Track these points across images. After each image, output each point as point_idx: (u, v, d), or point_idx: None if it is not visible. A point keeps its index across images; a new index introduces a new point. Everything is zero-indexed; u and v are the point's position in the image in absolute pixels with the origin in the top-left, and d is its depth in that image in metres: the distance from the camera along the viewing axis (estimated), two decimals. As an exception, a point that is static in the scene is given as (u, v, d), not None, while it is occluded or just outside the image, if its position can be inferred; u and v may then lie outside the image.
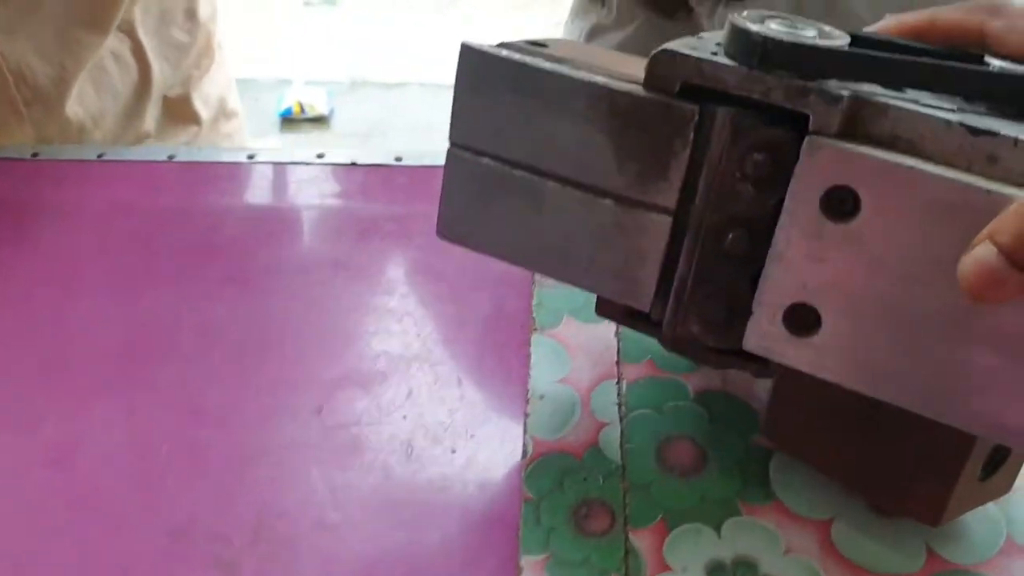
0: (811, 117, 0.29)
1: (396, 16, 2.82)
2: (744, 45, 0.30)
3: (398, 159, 0.61)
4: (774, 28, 0.30)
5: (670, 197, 0.33)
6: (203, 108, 0.77)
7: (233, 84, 0.82)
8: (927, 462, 0.34)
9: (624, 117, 0.33)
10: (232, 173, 0.61)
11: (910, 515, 0.37)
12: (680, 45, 0.31)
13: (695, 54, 0.31)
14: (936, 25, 0.31)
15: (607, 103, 0.33)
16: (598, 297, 0.38)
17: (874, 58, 0.29)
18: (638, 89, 0.32)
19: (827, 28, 0.31)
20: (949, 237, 0.28)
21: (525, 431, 0.43)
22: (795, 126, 0.30)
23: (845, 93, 0.29)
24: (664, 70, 0.31)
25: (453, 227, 0.39)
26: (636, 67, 0.33)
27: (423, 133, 2.32)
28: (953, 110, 0.29)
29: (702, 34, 0.33)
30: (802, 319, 0.31)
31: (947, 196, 0.28)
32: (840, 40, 0.30)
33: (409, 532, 0.40)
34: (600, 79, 0.33)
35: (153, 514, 0.41)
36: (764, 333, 0.32)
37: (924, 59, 0.29)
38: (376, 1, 2.91)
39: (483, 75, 0.35)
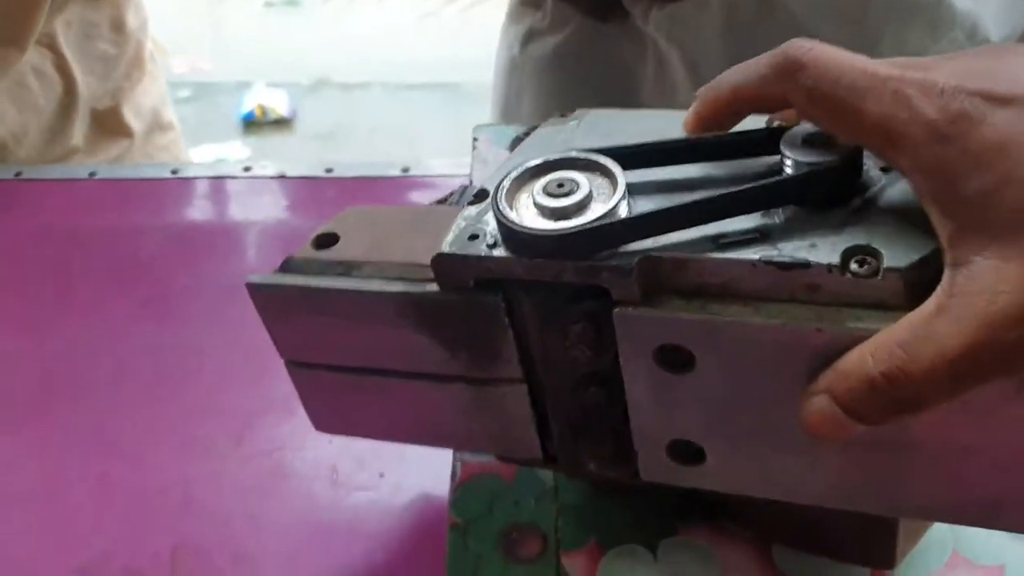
0: (610, 291, 0.28)
1: (358, 17, 2.79)
2: (516, 241, 0.28)
3: (328, 170, 0.59)
4: (543, 204, 0.28)
5: (513, 370, 0.32)
6: (135, 120, 0.75)
7: (167, 97, 0.80)
8: (866, 516, 0.33)
9: (435, 316, 0.31)
10: (156, 190, 0.59)
11: (864, 564, 0.35)
12: (457, 238, 0.29)
13: (473, 251, 0.29)
14: (740, 97, 0.28)
15: (412, 308, 0.31)
16: None
17: (651, 216, 0.27)
18: (436, 290, 0.30)
19: (601, 161, 0.28)
20: (794, 370, 0.26)
21: (454, 455, 0.41)
22: (602, 294, 0.28)
23: (632, 261, 0.27)
24: (450, 272, 0.30)
25: (326, 424, 0.38)
26: (435, 239, 0.30)
27: (387, 133, 2.30)
28: (755, 239, 0.26)
29: (468, 210, 0.30)
30: (685, 451, 0.30)
31: (777, 338, 0.26)
32: (617, 185, 0.28)
33: (333, 560, 0.39)
34: (396, 288, 0.31)
35: (61, 552, 0.39)
36: (655, 467, 0.32)
37: (704, 194, 0.27)
38: (338, 1, 2.88)
39: (278, 306, 0.34)
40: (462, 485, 0.39)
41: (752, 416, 0.28)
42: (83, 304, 0.51)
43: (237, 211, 0.57)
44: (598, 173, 0.28)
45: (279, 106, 2.42)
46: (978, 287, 0.23)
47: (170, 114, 0.79)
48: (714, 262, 0.26)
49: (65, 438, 0.44)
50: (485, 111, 0.74)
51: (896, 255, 0.25)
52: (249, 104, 2.42)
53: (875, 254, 0.25)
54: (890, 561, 0.34)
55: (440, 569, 0.37)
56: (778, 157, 0.28)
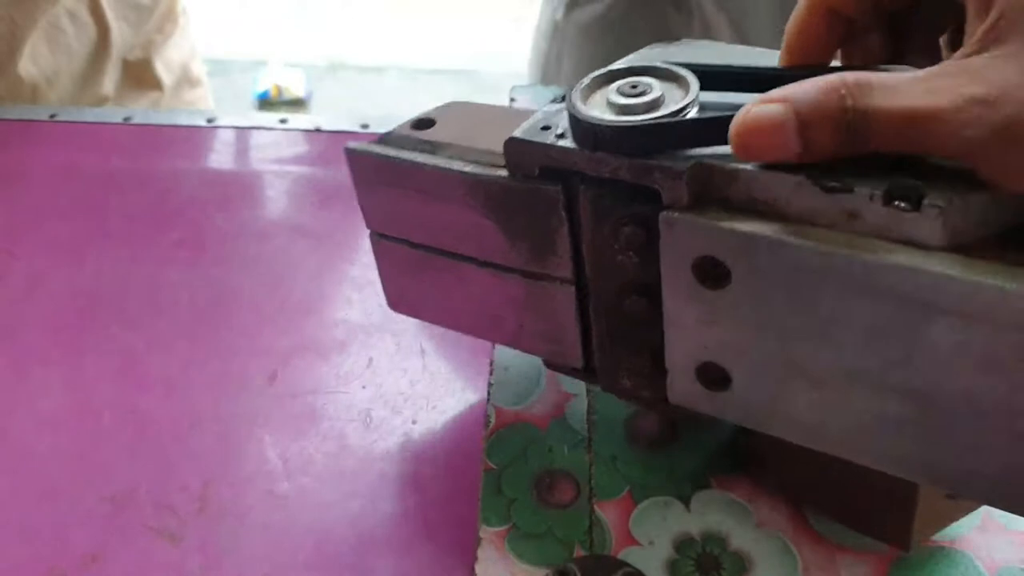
0: (661, 192, 0.28)
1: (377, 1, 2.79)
2: (580, 131, 0.29)
3: (364, 126, 0.59)
4: (614, 100, 0.29)
5: (565, 269, 0.33)
6: (165, 74, 0.74)
7: (197, 53, 0.80)
8: (886, 489, 0.33)
9: (500, 202, 0.33)
10: (190, 137, 0.59)
11: (881, 539, 0.35)
12: (532, 127, 0.31)
13: (541, 138, 0.30)
14: (814, 7, 0.28)
15: (482, 191, 0.33)
16: None
17: (712, 121, 0.28)
18: (505, 175, 0.32)
19: (679, 72, 0.29)
20: (825, 299, 0.26)
21: (488, 400, 0.41)
22: (655, 198, 0.29)
23: (686, 165, 0.28)
24: (518, 157, 0.31)
25: (399, 302, 0.40)
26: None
27: (401, 117, 2.29)
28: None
29: (550, 106, 0.32)
30: (714, 375, 0.31)
31: (811, 262, 0.26)
32: (688, 93, 0.28)
33: (364, 503, 0.39)
34: (470, 169, 0.33)
35: (92, 482, 0.39)
36: (682, 390, 0.32)
37: None
38: (356, -15, 2.87)
39: (369, 174, 0.37)
40: (496, 432, 0.39)
41: (778, 343, 0.28)
42: (117, 240, 0.51)
43: (272, 161, 0.57)
44: (675, 84, 0.29)
45: (295, 86, 2.42)
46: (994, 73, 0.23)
47: (199, 70, 0.79)
48: (763, 177, 0.27)
49: (97, 368, 0.44)
50: (500, 99, 0.73)
51: (939, 195, 0.25)
52: (265, 83, 2.41)
53: (918, 190, 0.25)
54: (906, 542, 0.34)
55: (472, 514, 0.37)
56: None
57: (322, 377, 0.44)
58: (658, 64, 0.30)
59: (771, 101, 0.25)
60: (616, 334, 0.33)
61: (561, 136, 0.30)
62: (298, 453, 0.40)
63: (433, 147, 0.35)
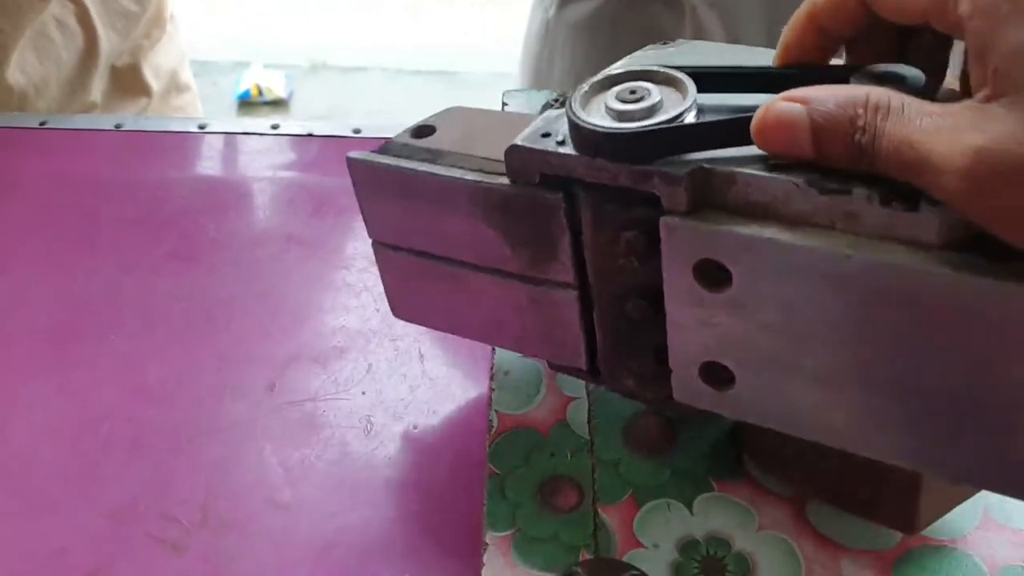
0: (660, 198, 0.29)
1: (359, 1, 2.78)
2: (579, 138, 0.30)
3: (356, 131, 0.59)
4: (613, 107, 0.29)
5: (567, 274, 0.33)
6: (153, 80, 0.74)
7: (186, 58, 0.79)
8: (889, 473, 0.33)
9: (502, 209, 0.33)
10: (182, 144, 0.58)
11: (885, 523, 0.35)
12: (532, 133, 0.31)
13: (542, 146, 0.31)
14: (815, 13, 0.28)
15: (484, 198, 0.33)
16: None
17: (709, 125, 0.28)
18: (507, 183, 0.33)
19: (677, 76, 0.29)
20: (826, 299, 0.27)
21: (490, 406, 0.41)
22: (655, 203, 0.29)
23: (684, 170, 0.28)
24: (520, 165, 0.32)
25: (403, 310, 0.41)
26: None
27: (381, 118, 2.28)
28: (806, 164, 0.27)
29: (549, 112, 0.32)
30: (718, 374, 0.31)
31: (809, 261, 0.27)
32: (686, 97, 0.29)
33: (368, 511, 0.39)
34: (471, 177, 0.33)
35: (92, 494, 0.39)
36: (686, 388, 0.32)
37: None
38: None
39: (371, 183, 0.37)
40: (499, 437, 0.39)
41: (781, 342, 0.29)
42: (109, 249, 0.50)
43: (264, 168, 0.57)
44: (673, 88, 0.29)
45: (276, 87, 2.40)
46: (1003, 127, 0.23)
47: (187, 75, 0.79)
48: (761, 180, 0.27)
49: (93, 380, 0.44)
50: (482, 100, 0.74)
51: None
52: (246, 84, 2.40)
53: (917, 192, 0.25)
54: (912, 525, 0.34)
55: (476, 520, 0.37)
56: None
57: (321, 384, 0.44)
58: (655, 68, 0.30)
59: (793, 100, 0.26)
60: (619, 336, 0.34)
61: (561, 143, 0.30)
62: (299, 461, 0.40)
63: (434, 155, 0.35)
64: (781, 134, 0.26)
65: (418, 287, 0.39)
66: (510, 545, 0.35)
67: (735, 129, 0.27)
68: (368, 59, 2.56)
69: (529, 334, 0.36)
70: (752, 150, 0.27)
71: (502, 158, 0.32)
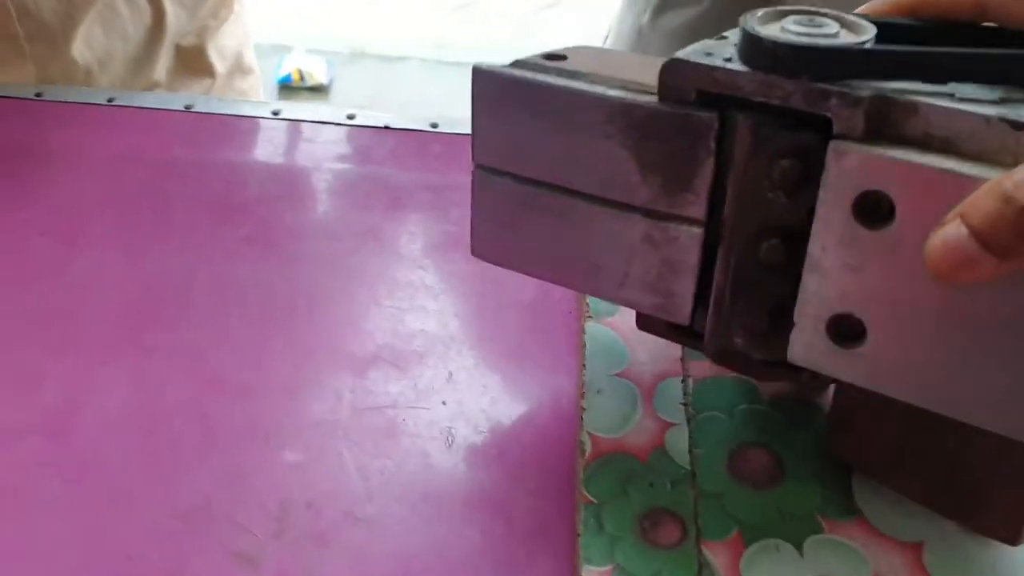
0: (833, 121, 0.28)
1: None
2: (756, 50, 0.28)
3: (434, 125, 0.57)
4: (790, 28, 0.28)
5: (698, 208, 0.32)
6: (218, 61, 0.72)
7: (251, 41, 0.77)
8: (1000, 473, 0.32)
9: (643, 130, 0.31)
10: (254, 128, 0.56)
11: (985, 532, 0.34)
12: (693, 52, 0.30)
13: (707, 61, 0.29)
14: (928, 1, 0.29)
15: (625, 117, 0.32)
16: (637, 312, 0.36)
17: (896, 53, 0.27)
18: (655, 101, 0.31)
19: (853, 19, 0.29)
20: None
21: (581, 427, 0.38)
22: (821, 129, 0.28)
23: (866, 94, 0.27)
24: (677, 80, 0.30)
25: (486, 247, 0.38)
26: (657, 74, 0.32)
27: (420, 107, 2.27)
28: (995, 101, 0.26)
29: (725, 33, 0.31)
30: (847, 329, 0.29)
31: None
32: (864, 35, 0.28)
33: (451, 530, 0.36)
34: (615, 93, 0.32)
35: (163, 495, 0.37)
36: (808, 345, 0.30)
37: (954, 48, 0.27)
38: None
39: (498, 97, 0.35)
40: (592, 462, 0.37)
41: (937, 295, 0.27)
42: (181, 233, 0.48)
43: (339, 159, 0.55)
44: (848, 29, 0.28)
45: (317, 72, 2.39)
46: None
47: (251, 58, 0.77)
48: (947, 111, 0.26)
49: (164, 369, 0.42)
50: None
51: None
52: (287, 68, 2.39)
53: None
54: (1014, 536, 0.32)
55: (565, 548, 0.35)
56: None
57: (401, 391, 0.42)
58: (827, 10, 0.29)
59: (947, 221, 0.25)
60: (741, 284, 0.31)
61: (728, 60, 0.29)
62: (379, 472, 0.38)
63: (571, 74, 0.33)
64: (954, 262, 0.25)
65: (512, 221, 0.36)
66: (612, 581, 0.33)
67: (924, 61, 0.26)
68: (408, 49, 2.55)
69: (632, 279, 0.34)
70: (935, 87, 0.27)
71: (645, 81, 0.31)
